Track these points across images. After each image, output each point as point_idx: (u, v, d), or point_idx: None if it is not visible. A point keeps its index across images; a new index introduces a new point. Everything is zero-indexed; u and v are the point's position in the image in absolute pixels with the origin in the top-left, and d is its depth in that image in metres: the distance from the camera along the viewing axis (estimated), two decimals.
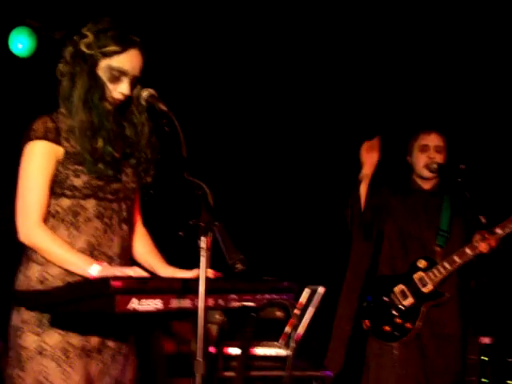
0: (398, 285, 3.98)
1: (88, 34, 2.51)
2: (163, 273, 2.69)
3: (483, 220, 3.89)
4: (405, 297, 3.96)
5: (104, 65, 2.51)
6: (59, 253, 2.43)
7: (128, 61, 2.51)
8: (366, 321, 4.02)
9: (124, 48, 2.50)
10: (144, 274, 2.40)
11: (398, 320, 3.93)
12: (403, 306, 3.95)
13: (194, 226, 2.17)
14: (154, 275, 2.65)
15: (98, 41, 2.50)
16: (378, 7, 5.25)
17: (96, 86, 2.50)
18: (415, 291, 3.96)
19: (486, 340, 4.84)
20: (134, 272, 2.37)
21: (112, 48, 2.49)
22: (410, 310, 3.94)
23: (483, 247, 3.89)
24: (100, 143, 2.48)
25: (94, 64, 2.51)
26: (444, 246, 4.05)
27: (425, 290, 3.96)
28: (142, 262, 2.74)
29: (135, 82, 2.57)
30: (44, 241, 2.43)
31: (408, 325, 3.92)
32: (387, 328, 3.94)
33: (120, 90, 2.53)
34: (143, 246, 2.77)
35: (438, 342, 3.97)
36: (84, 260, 2.43)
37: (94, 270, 2.38)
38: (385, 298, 4.00)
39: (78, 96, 2.50)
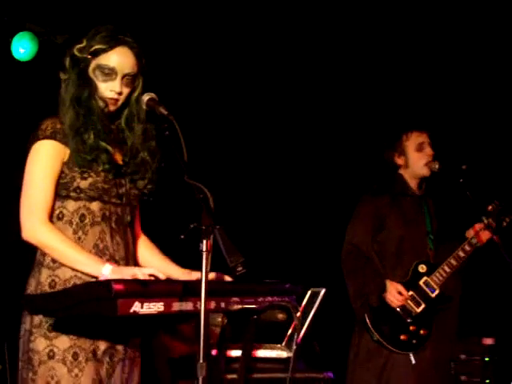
0: (408, 292, 3.94)
1: (83, 39, 2.56)
2: (176, 275, 2.68)
3: (485, 221, 3.90)
4: (417, 303, 3.91)
5: (94, 65, 2.55)
6: (70, 253, 2.42)
7: (115, 58, 2.53)
8: (377, 333, 3.94)
9: (111, 46, 2.53)
10: (159, 273, 2.38)
11: (412, 327, 3.89)
12: (416, 312, 3.91)
13: (195, 229, 2.17)
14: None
15: (88, 44, 2.54)
16: (377, 9, 5.27)
17: (85, 86, 2.53)
18: (425, 296, 3.93)
19: (488, 341, 4.85)
20: (146, 272, 2.35)
21: (99, 47, 2.53)
22: (422, 316, 3.91)
23: (482, 238, 3.90)
24: (91, 138, 2.49)
25: (86, 66, 2.55)
26: (433, 249, 4.06)
27: (433, 294, 3.94)
28: (151, 266, 2.70)
29: (132, 82, 2.58)
30: (52, 239, 2.43)
31: (423, 331, 3.89)
32: (403, 337, 3.89)
33: (111, 88, 2.55)
34: (149, 252, 2.78)
35: (438, 345, 3.96)
36: (96, 260, 2.44)
37: (107, 270, 2.38)
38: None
39: (69, 97, 2.54)
